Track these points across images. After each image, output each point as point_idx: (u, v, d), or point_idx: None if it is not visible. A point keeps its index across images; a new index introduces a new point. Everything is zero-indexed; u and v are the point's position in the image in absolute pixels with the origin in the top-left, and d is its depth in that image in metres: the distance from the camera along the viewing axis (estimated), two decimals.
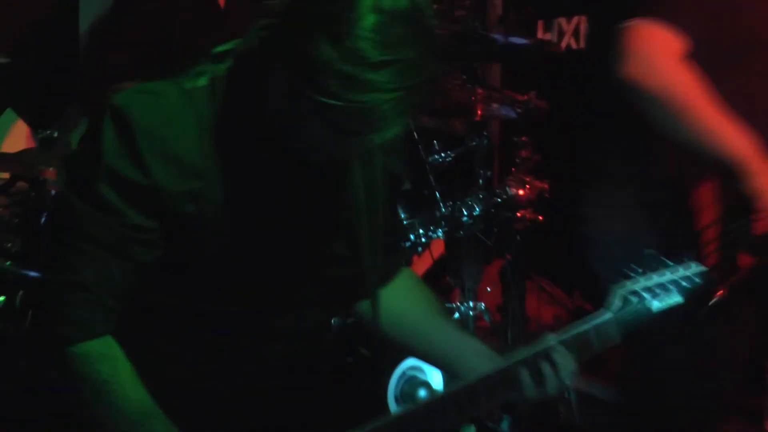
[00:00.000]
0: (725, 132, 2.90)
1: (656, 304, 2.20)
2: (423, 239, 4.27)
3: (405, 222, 4.29)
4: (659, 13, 2.85)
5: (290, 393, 2.42)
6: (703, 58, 2.88)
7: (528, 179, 4.63)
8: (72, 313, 2.12)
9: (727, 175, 2.90)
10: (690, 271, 2.25)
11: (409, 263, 4.27)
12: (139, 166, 2.00)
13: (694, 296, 2.31)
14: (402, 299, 2.55)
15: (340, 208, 2.30)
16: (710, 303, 2.87)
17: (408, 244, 4.31)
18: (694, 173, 2.98)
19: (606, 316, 2.20)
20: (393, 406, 3.85)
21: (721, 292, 2.93)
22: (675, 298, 2.21)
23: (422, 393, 3.87)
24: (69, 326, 2.11)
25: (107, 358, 2.15)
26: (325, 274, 2.32)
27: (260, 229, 2.18)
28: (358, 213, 2.32)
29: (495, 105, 4.85)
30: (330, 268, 2.32)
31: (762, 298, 3.11)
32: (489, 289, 5.33)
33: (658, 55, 2.92)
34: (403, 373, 3.89)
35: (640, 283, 2.23)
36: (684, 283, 2.27)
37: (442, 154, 4.57)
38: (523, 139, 4.79)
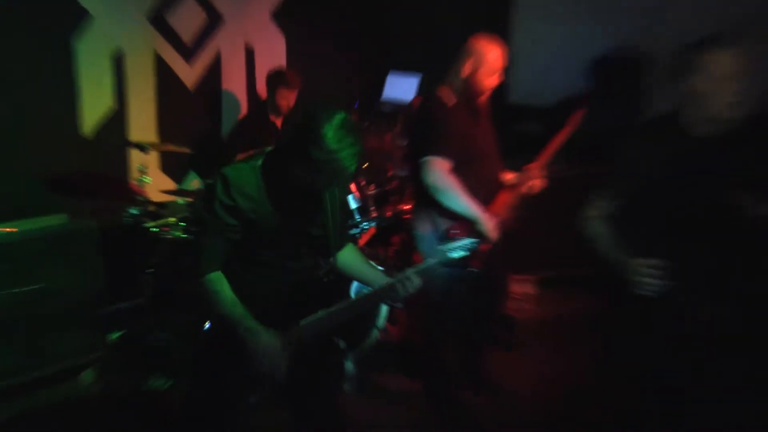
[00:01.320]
0: (471, 206, 4.16)
1: (450, 255, 3.17)
2: (366, 227, 5.50)
3: (358, 219, 5.38)
4: (437, 153, 4.15)
5: (299, 297, 3.25)
6: (458, 166, 4.17)
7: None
8: (207, 260, 3.08)
9: (473, 222, 4.16)
10: (466, 241, 3.20)
11: (358, 238, 5.55)
12: (230, 197, 3.00)
13: (467, 251, 3.18)
14: (349, 255, 3.46)
15: (317, 212, 3.22)
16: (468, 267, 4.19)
17: (359, 229, 5.44)
18: (459, 224, 4.21)
19: (430, 261, 3.19)
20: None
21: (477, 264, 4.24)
22: (459, 253, 3.18)
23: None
24: (205, 267, 3.07)
25: (219, 280, 3.09)
26: (310, 241, 3.26)
27: (282, 221, 3.10)
28: (327, 214, 3.24)
29: (398, 169, 6.06)
30: (312, 238, 3.25)
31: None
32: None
33: (442, 171, 4.15)
34: (357, 284, 4.79)
35: (443, 248, 3.20)
36: (463, 245, 3.19)
37: (374, 191, 5.67)
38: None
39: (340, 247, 3.41)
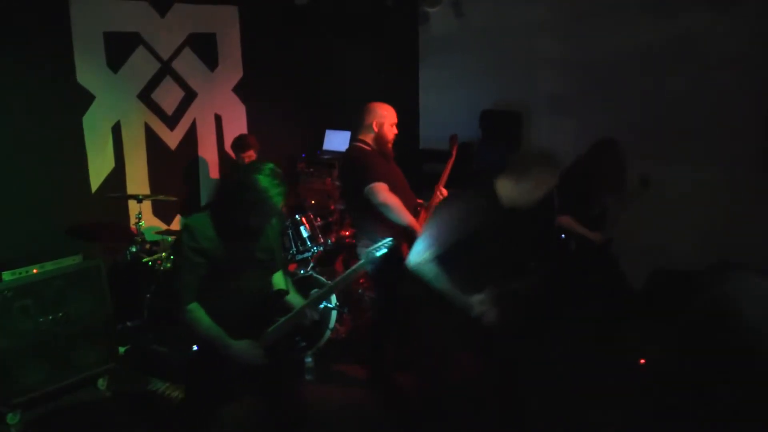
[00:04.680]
0: (409, 217, 4.16)
1: (375, 254, 3.14)
2: (316, 250, 5.34)
3: (309, 245, 5.28)
4: (378, 179, 4.14)
5: (259, 311, 3.19)
6: (393, 190, 4.12)
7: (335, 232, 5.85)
8: (185, 295, 3.00)
9: (410, 236, 4.02)
10: (386, 241, 3.15)
11: (312, 259, 5.36)
12: (195, 241, 2.95)
13: (387, 249, 3.16)
14: (279, 280, 3.34)
15: (263, 242, 3.16)
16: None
17: (310, 252, 5.32)
18: (398, 237, 3.90)
19: (361, 262, 3.16)
20: None
21: None
22: (381, 251, 3.15)
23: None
24: (184, 300, 2.99)
25: (197, 309, 3.02)
26: (260, 265, 3.19)
27: (237, 252, 3.05)
28: (270, 243, 3.20)
29: (338, 204, 6.10)
30: (261, 262, 3.18)
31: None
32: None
33: (385, 192, 4.14)
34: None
35: (371, 248, 3.17)
36: (383, 244, 3.14)
37: (320, 222, 5.59)
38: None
39: (283, 266, 3.38)
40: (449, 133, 4.95)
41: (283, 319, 3.16)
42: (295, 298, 3.27)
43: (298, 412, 3.37)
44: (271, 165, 2.94)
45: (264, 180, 2.88)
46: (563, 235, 4.66)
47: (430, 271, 3.28)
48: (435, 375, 3.65)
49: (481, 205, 3.31)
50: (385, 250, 3.14)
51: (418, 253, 3.29)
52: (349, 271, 3.21)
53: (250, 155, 5.81)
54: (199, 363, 3.18)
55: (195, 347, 3.16)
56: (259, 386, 3.27)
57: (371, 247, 3.16)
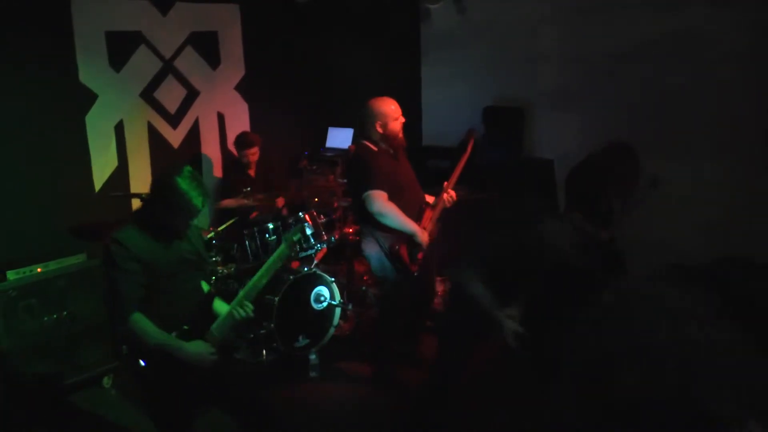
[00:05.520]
0: (408, 223, 4.21)
1: (293, 238, 3.24)
2: (320, 247, 5.28)
3: (312, 242, 5.13)
4: (375, 186, 4.15)
5: (198, 312, 3.27)
6: (389, 196, 4.17)
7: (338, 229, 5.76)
8: (126, 306, 3.02)
9: (411, 237, 4.20)
10: (299, 226, 3.34)
11: (315, 256, 5.45)
12: (126, 249, 3.01)
13: (301, 232, 3.30)
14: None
15: (187, 244, 3.27)
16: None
17: (314, 250, 5.23)
18: (398, 240, 4.22)
19: (281, 248, 3.19)
20: (313, 303, 4.90)
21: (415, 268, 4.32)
22: (297, 236, 3.27)
23: (323, 299, 4.92)
24: (126, 312, 3.02)
25: (141, 319, 3.04)
26: (190, 266, 3.27)
27: (166, 256, 3.14)
28: (194, 244, 3.31)
29: (341, 201, 5.93)
30: (191, 263, 3.27)
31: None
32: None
33: (382, 200, 4.17)
34: (315, 291, 4.94)
35: (288, 233, 3.27)
36: (298, 228, 3.31)
37: (324, 219, 5.52)
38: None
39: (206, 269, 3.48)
40: (452, 130, 4.93)
41: (222, 316, 3.22)
42: (219, 304, 3.36)
43: (259, 412, 3.37)
44: (189, 167, 3.05)
45: (183, 182, 3.00)
46: None
47: (475, 289, 3.21)
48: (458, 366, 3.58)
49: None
50: (299, 234, 3.27)
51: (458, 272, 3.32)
52: (271, 258, 3.23)
53: (254, 152, 5.92)
54: (153, 376, 3.15)
55: (142, 362, 3.12)
56: (220, 392, 3.27)
57: (288, 233, 3.26)
